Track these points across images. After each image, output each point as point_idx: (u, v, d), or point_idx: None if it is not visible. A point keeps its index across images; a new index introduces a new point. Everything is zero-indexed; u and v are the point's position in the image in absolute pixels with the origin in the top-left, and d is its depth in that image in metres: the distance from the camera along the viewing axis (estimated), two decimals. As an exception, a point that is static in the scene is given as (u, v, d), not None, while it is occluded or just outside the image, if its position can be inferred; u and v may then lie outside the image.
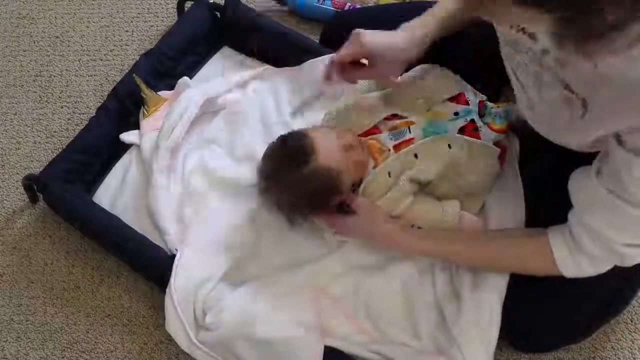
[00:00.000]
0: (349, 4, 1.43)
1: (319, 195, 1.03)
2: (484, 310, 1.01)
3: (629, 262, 0.85)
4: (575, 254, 0.88)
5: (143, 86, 1.26)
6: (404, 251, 1.07)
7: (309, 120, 1.23)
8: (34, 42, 1.51)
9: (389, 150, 1.06)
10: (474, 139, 1.05)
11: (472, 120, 1.07)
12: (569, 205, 0.88)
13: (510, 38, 0.87)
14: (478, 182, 1.07)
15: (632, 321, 1.13)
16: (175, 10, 1.44)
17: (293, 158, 1.03)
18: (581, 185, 0.85)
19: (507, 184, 1.10)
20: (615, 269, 0.91)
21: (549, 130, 0.91)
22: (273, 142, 1.08)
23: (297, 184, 1.02)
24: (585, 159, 0.87)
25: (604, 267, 0.88)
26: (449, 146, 1.04)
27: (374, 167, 1.06)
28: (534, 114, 0.91)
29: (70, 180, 1.21)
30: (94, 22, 1.53)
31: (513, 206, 1.07)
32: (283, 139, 1.07)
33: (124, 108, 1.27)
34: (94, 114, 1.27)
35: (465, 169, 1.05)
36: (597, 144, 0.82)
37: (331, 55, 1.07)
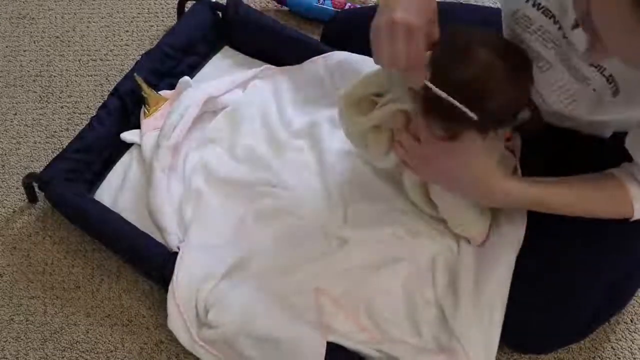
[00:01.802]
0: (349, 4, 1.44)
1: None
2: (485, 307, 1.01)
3: None
4: None
5: (144, 85, 1.27)
6: (514, 205, 1.00)
7: (309, 119, 1.23)
8: (34, 42, 1.51)
9: None
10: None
11: None
12: None
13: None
14: None
15: (632, 321, 1.13)
16: (175, 10, 1.45)
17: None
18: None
19: None
20: (612, 265, 0.93)
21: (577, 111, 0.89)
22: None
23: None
24: (583, 155, 0.87)
25: None
26: None
27: None
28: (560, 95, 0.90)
29: (71, 179, 1.21)
30: (94, 22, 1.53)
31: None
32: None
33: (124, 107, 1.27)
34: (95, 113, 1.27)
35: None
36: None
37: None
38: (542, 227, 1.04)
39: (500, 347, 1.03)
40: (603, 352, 1.10)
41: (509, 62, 0.85)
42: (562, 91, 0.90)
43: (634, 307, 1.14)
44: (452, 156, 0.92)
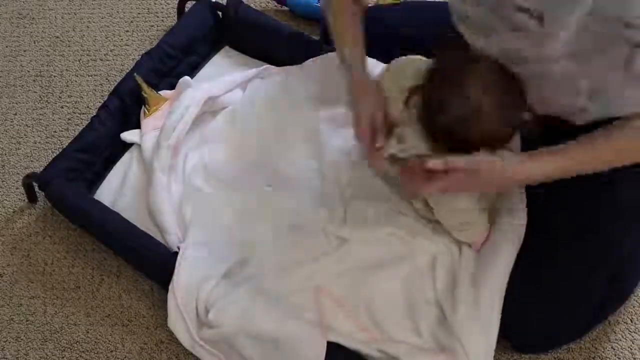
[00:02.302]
0: (349, 4, 1.43)
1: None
2: (484, 307, 1.01)
3: None
4: None
5: (144, 85, 1.27)
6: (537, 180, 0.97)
7: (309, 118, 1.23)
8: (34, 42, 1.51)
9: None
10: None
11: None
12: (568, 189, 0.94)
13: None
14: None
15: (632, 321, 1.13)
16: (175, 10, 1.45)
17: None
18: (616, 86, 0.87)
19: None
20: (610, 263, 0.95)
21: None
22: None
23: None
24: None
25: None
26: None
27: None
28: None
29: (71, 179, 1.21)
30: (94, 22, 1.53)
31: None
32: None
33: (125, 107, 1.28)
34: (95, 113, 1.27)
35: None
36: None
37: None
38: (535, 225, 1.05)
39: (500, 347, 1.03)
40: (603, 352, 1.10)
41: (498, 89, 0.88)
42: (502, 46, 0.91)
43: (634, 307, 1.14)
44: (472, 179, 0.93)
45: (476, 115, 0.88)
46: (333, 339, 1.02)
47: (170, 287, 1.07)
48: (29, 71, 1.47)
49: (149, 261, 1.13)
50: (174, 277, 1.07)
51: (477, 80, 0.88)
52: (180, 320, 1.06)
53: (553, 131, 0.96)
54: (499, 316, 1.01)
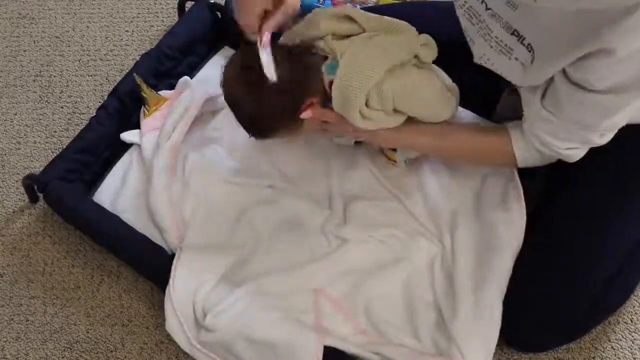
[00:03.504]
0: (348, 3, 1.43)
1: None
2: (484, 310, 1.01)
3: (573, 159, 0.98)
4: (530, 150, 1.00)
5: (144, 86, 1.27)
6: (399, 144, 1.10)
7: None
8: (34, 42, 1.51)
9: None
10: None
11: None
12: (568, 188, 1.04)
13: None
14: None
15: (632, 321, 1.13)
16: (175, 10, 1.45)
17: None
18: (529, 102, 0.96)
19: None
20: (609, 262, 0.98)
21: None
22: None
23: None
24: None
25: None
26: None
27: None
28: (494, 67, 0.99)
29: (70, 180, 1.21)
30: (94, 22, 1.53)
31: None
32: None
33: (124, 107, 1.28)
34: (94, 113, 1.27)
35: None
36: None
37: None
38: (535, 224, 1.07)
39: (500, 347, 1.03)
40: (603, 352, 1.10)
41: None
42: (489, 64, 0.98)
43: (634, 307, 1.14)
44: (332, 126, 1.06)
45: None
46: (331, 343, 1.02)
47: (167, 290, 1.07)
48: (29, 71, 1.47)
49: (147, 264, 1.13)
50: (170, 281, 1.07)
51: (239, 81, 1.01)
52: (177, 323, 1.06)
53: None
54: (500, 319, 1.01)
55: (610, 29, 0.76)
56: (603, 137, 0.93)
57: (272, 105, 1.00)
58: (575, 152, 0.97)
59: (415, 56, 1.00)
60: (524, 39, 0.89)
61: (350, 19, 1.01)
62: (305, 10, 1.46)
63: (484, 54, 0.98)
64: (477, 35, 0.97)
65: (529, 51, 0.89)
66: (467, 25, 1.00)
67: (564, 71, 0.87)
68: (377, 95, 0.97)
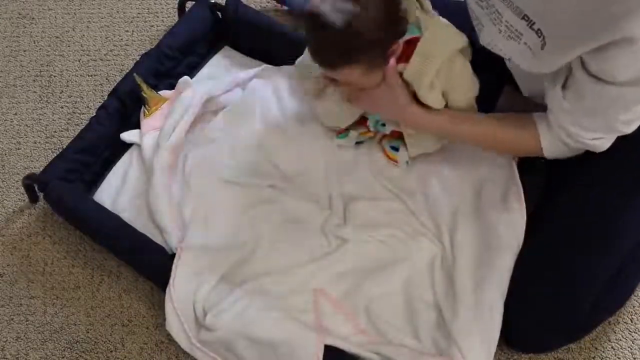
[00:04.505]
0: None
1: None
2: (484, 310, 1.01)
3: (600, 149, 0.98)
4: (556, 142, 1.00)
5: (144, 86, 1.27)
6: (421, 126, 1.09)
7: (308, 118, 1.23)
8: (34, 42, 1.51)
9: None
10: None
11: None
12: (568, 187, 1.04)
13: None
14: None
15: (632, 321, 1.13)
16: (175, 10, 1.45)
17: None
18: (551, 95, 0.96)
19: None
20: (609, 262, 0.98)
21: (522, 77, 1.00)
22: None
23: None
24: None
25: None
26: None
27: None
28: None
29: (70, 180, 1.22)
30: (94, 22, 1.53)
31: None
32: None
33: (124, 107, 1.28)
34: (94, 113, 1.27)
35: None
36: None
37: None
38: (535, 223, 1.07)
39: (500, 347, 1.03)
40: (603, 352, 1.10)
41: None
42: (497, 49, 0.99)
43: (634, 307, 1.14)
44: (371, 94, 1.07)
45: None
46: (331, 342, 1.02)
47: (167, 290, 1.07)
48: (29, 71, 1.47)
49: (147, 264, 1.13)
50: (171, 281, 1.07)
51: None
52: (177, 323, 1.06)
53: None
54: (500, 320, 1.01)
55: (628, 18, 0.77)
56: (629, 126, 0.93)
57: (378, 24, 0.96)
58: (601, 142, 0.96)
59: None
60: (534, 23, 0.89)
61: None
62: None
63: (492, 39, 0.98)
64: (487, 19, 0.98)
65: (539, 36, 0.89)
66: (476, 10, 1.00)
67: (582, 63, 0.87)
68: (447, 69, 1.02)
